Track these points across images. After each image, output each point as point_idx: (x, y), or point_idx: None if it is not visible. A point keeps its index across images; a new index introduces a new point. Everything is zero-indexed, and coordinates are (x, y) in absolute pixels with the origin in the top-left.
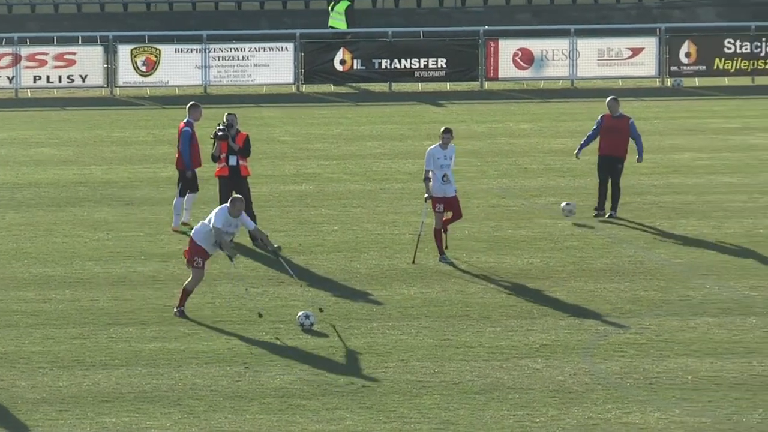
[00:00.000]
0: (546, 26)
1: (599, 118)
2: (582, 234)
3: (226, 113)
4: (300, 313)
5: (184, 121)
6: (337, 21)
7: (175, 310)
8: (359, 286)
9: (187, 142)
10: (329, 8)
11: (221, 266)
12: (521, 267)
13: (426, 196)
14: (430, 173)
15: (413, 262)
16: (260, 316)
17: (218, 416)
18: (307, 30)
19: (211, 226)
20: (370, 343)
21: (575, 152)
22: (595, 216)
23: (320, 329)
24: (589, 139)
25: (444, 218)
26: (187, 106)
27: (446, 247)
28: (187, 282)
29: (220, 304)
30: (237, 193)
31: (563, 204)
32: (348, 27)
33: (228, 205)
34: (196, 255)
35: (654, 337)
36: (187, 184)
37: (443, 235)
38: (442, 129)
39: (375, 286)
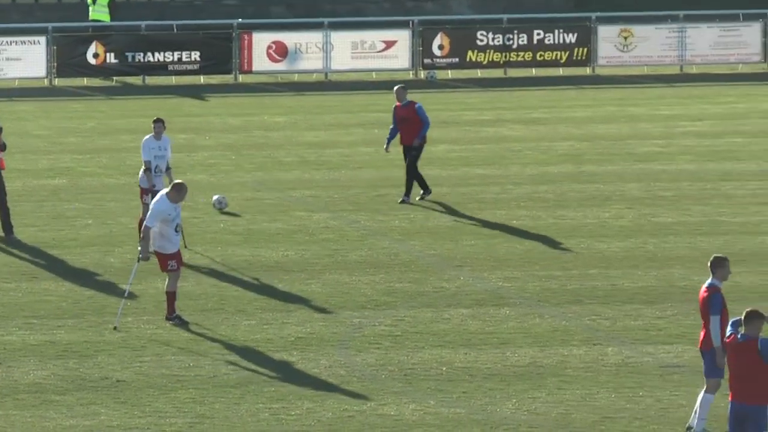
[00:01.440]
0: (300, 19)
1: (393, 108)
2: (337, 227)
3: None
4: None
5: None
6: (101, 14)
7: (169, 318)
8: (114, 280)
9: None
10: (90, 1)
11: None
12: (276, 260)
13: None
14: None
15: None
16: (115, 329)
17: None
18: (60, 24)
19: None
20: (125, 338)
21: (384, 147)
22: (420, 199)
23: (75, 324)
24: (393, 132)
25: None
26: None
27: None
28: (166, 285)
29: None
30: None
31: None
32: (111, 20)
33: (169, 191)
34: (168, 260)
35: (409, 328)
36: None
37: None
38: (154, 119)
39: None
